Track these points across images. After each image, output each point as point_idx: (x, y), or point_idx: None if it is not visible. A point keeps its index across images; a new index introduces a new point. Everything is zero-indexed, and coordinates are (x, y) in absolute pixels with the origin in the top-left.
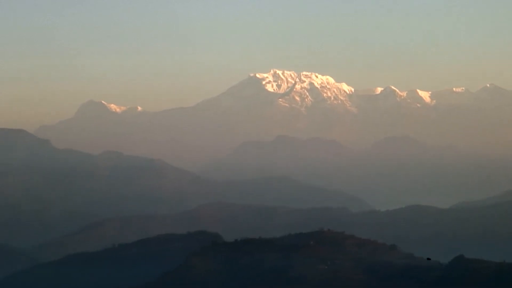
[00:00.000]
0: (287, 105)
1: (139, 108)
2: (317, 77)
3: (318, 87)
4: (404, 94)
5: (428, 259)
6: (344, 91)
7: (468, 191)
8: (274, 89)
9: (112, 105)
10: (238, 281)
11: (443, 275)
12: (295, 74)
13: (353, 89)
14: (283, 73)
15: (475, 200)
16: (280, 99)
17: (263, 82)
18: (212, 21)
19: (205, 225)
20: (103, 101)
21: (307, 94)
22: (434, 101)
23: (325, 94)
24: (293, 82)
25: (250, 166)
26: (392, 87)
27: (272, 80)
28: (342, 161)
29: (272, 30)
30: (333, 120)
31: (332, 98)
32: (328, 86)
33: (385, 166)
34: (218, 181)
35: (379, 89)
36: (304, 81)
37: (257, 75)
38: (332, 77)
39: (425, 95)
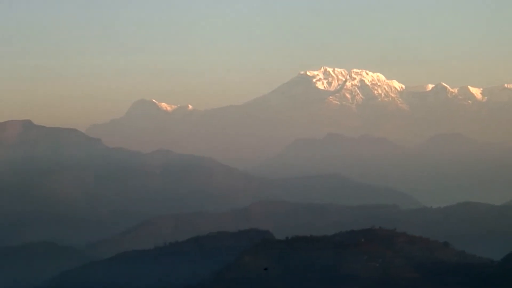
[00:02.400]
0: (337, 102)
1: (190, 106)
2: (367, 74)
3: (369, 84)
4: (455, 90)
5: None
6: (395, 88)
7: None
8: (324, 87)
9: (163, 103)
10: (289, 279)
11: (495, 273)
12: (346, 71)
13: (404, 86)
14: (333, 71)
15: None
16: (330, 97)
17: (314, 80)
18: (263, 19)
19: (256, 223)
20: (154, 100)
21: (358, 91)
22: (486, 97)
23: (375, 91)
24: (344, 79)
25: (301, 164)
26: (443, 84)
27: (322, 78)
28: (393, 159)
29: (322, 28)
30: (383, 117)
31: (382, 95)
32: (378, 83)
33: (436, 163)
34: (269, 179)
35: (430, 86)
36: (355, 79)
37: (308, 73)
38: (382, 74)
39: (476, 91)
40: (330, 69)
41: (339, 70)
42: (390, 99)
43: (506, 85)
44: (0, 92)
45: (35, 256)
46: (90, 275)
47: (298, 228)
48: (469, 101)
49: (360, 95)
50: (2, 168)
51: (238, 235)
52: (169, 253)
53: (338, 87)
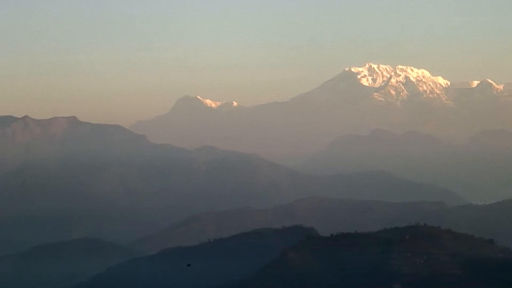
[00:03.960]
0: (382, 99)
1: (234, 103)
2: (412, 70)
3: (414, 80)
4: (501, 87)
5: None
6: (440, 84)
7: None
8: (369, 83)
9: (207, 100)
10: (334, 276)
11: None
12: (391, 68)
13: (449, 83)
14: (378, 67)
15: None
16: (375, 93)
17: (358, 76)
18: (308, 15)
19: (300, 219)
20: (198, 96)
21: (403, 88)
22: None
23: (420, 88)
24: (389, 76)
25: (346, 161)
26: (489, 80)
27: (367, 74)
28: (438, 155)
29: (366, 24)
30: (428, 114)
31: (428, 92)
32: (423, 80)
33: (481, 160)
34: (313, 176)
35: (475, 83)
36: (400, 75)
37: (352, 69)
38: (427, 71)
39: None
40: (375, 66)
41: (384, 66)
42: (435, 95)
43: None
44: (45, 89)
45: (81, 252)
46: (135, 271)
47: (342, 224)
48: None
49: (405, 91)
50: (48, 165)
51: (282, 232)
52: (214, 249)
53: (383, 84)
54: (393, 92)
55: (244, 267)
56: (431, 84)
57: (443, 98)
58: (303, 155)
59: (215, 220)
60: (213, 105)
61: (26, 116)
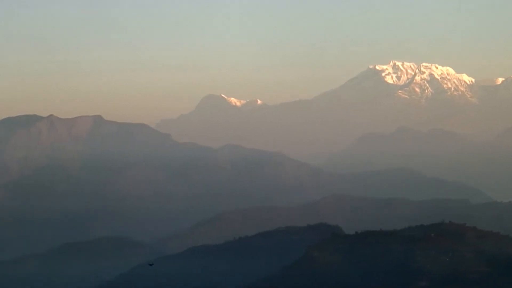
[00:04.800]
0: (407, 96)
1: (259, 101)
2: (437, 68)
3: (438, 78)
4: None
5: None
6: (465, 82)
7: None
8: (393, 81)
9: (232, 98)
10: (359, 273)
11: None
12: (415, 65)
13: (473, 80)
14: (402, 65)
15: None
16: (399, 91)
17: (383, 74)
18: (332, 13)
19: (325, 217)
20: (223, 95)
21: (427, 85)
22: None
23: (445, 85)
24: (413, 73)
25: (370, 158)
26: None
27: (391, 72)
28: (463, 153)
29: (391, 22)
30: (453, 111)
31: (452, 89)
32: (448, 77)
33: (506, 157)
34: (338, 174)
35: (500, 80)
36: (424, 72)
37: (377, 67)
38: (452, 68)
39: None
40: (399, 63)
41: (408, 64)
42: (460, 93)
43: None
44: (70, 88)
45: (106, 251)
46: (160, 270)
47: (367, 222)
48: None
49: (430, 89)
50: (73, 164)
51: (307, 230)
52: (239, 247)
53: (407, 81)
54: (417, 89)
55: (269, 265)
56: (456, 82)
57: (468, 96)
58: (327, 153)
59: (240, 219)
60: (238, 103)
61: (51, 115)
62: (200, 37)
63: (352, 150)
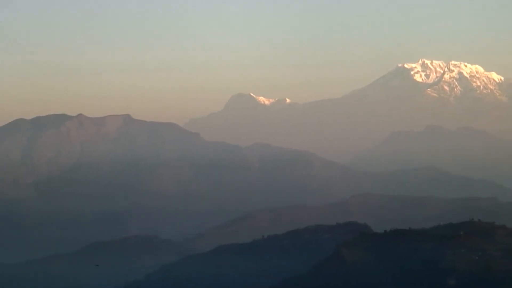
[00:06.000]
0: (435, 95)
1: (288, 100)
2: (466, 66)
3: (467, 76)
4: None
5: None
6: (494, 80)
7: None
8: (422, 79)
9: (260, 97)
10: (388, 272)
11: None
12: (444, 63)
13: (502, 78)
14: (431, 63)
15: None
16: (428, 89)
17: (412, 72)
18: (360, 12)
19: (354, 216)
20: (251, 94)
21: (456, 83)
22: None
23: (474, 84)
24: (442, 71)
25: (399, 157)
26: None
27: (420, 70)
28: (492, 151)
29: (420, 20)
30: (482, 109)
31: (481, 88)
32: (477, 75)
33: None
34: (367, 172)
35: None
36: (453, 71)
37: (405, 65)
38: (481, 66)
39: None
40: (428, 61)
41: (437, 62)
42: (489, 91)
43: None
44: (99, 87)
45: (136, 249)
46: (189, 269)
47: (396, 221)
48: None
49: (459, 87)
50: (102, 163)
51: (336, 229)
52: (267, 246)
53: (436, 79)
54: (446, 88)
55: (298, 264)
56: (485, 80)
57: (497, 94)
58: (356, 152)
59: (269, 217)
60: (266, 102)
61: (80, 114)
62: (230, 36)
63: (380, 148)
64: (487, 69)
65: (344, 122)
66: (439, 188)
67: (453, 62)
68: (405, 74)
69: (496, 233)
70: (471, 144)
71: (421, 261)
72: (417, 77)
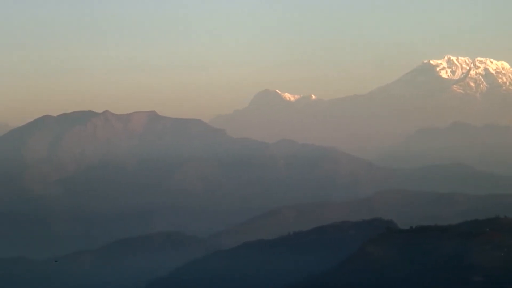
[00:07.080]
0: (461, 91)
1: (313, 96)
2: (492, 62)
3: (493, 72)
4: None
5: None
6: None
7: None
8: (448, 76)
9: (286, 94)
10: (413, 268)
11: None
12: (470, 60)
13: None
14: (457, 59)
15: None
16: (454, 86)
17: (437, 69)
18: (386, 9)
19: (379, 212)
20: (277, 90)
21: (482, 80)
22: None
23: (500, 80)
24: (468, 68)
25: (425, 153)
26: None
27: (446, 67)
28: None
29: (446, 17)
30: (508, 106)
31: (507, 84)
32: (503, 72)
33: None
34: (392, 168)
35: None
36: (479, 67)
37: (431, 62)
38: (507, 62)
39: None
40: (453, 58)
41: (463, 58)
42: None
43: None
44: (125, 84)
45: (161, 246)
46: (215, 265)
47: (422, 217)
48: None
49: (485, 83)
50: (128, 160)
51: (361, 225)
52: (293, 242)
53: (462, 76)
54: (472, 84)
55: (324, 260)
56: (511, 76)
57: None
58: (382, 148)
59: (295, 214)
60: (292, 98)
61: (106, 111)
62: (255, 33)
63: (406, 144)
64: None
65: (370, 119)
66: (464, 184)
67: (479, 58)
68: (431, 70)
69: None
70: (497, 140)
71: (447, 258)
72: (443, 74)
